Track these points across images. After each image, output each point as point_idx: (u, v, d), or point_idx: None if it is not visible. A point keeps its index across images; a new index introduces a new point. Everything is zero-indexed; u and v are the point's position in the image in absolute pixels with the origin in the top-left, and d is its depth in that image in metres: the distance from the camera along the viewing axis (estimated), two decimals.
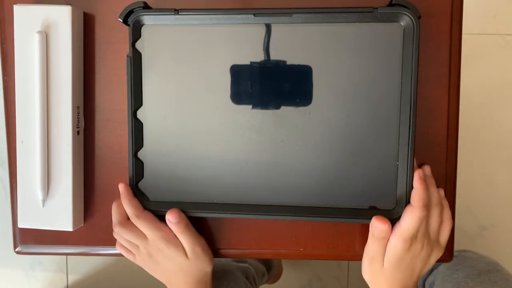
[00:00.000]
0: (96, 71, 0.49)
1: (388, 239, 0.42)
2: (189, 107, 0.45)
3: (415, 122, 0.41)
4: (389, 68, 0.42)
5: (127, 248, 0.47)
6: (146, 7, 0.43)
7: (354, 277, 1.12)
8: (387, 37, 0.42)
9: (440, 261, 0.46)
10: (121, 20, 0.43)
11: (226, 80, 0.44)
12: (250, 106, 0.44)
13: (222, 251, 0.50)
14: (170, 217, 0.44)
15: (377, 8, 0.41)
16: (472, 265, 0.63)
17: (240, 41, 0.43)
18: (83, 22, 0.48)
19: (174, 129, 0.45)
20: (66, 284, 1.19)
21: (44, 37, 0.45)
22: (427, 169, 0.45)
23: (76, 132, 0.47)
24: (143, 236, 0.45)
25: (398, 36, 0.41)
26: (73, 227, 0.47)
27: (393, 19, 0.41)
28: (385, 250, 0.42)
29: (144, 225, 0.45)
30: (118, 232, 0.46)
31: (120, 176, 0.49)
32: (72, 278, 1.19)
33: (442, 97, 0.46)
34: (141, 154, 0.46)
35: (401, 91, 0.42)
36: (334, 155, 0.43)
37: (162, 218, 0.45)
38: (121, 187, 0.45)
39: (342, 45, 0.42)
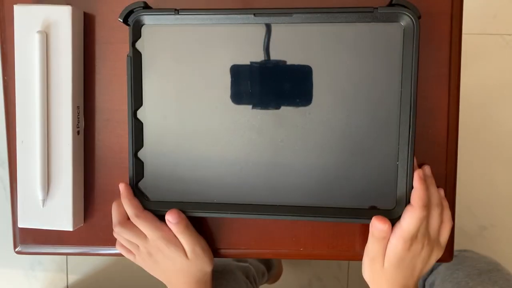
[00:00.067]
0: (96, 71, 0.49)
1: (389, 239, 0.42)
2: (189, 107, 0.45)
3: (415, 122, 0.41)
4: (389, 68, 0.42)
5: (127, 248, 0.47)
6: (146, 7, 0.43)
7: (354, 277, 1.12)
8: (387, 37, 0.42)
9: (440, 261, 0.46)
10: (121, 20, 0.43)
11: (226, 80, 0.44)
12: (250, 106, 0.44)
13: (222, 251, 0.50)
14: (170, 218, 0.44)
15: (377, 8, 0.41)
16: (472, 265, 0.63)
17: (240, 41, 0.43)
18: (83, 22, 0.48)
19: (174, 129, 0.45)
20: (66, 284, 1.19)
21: (44, 37, 0.45)
22: (427, 169, 0.45)
23: (76, 132, 0.47)
24: (143, 236, 0.45)
25: (398, 36, 0.41)
26: (73, 227, 0.47)
27: (393, 19, 0.41)
28: (385, 250, 0.42)
29: (144, 225, 0.45)
30: (118, 232, 0.46)
31: (120, 176, 0.49)
32: (72, 278, 1.19)
33: (442, 97, 0.46)
34: (141, 154, 0.46)
35: (401, 91, 0.42)
36: (334, 155, 0.43)
37: (162, 218, 0.45)
38: (122, 187, 0.45)
39: (342, 45, 0.42)
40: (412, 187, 0.41)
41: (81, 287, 1.18)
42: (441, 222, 0.43)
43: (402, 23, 0.41)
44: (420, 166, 0.45)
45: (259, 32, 0.43)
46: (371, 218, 0.42)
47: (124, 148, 0.49)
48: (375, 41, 0.42)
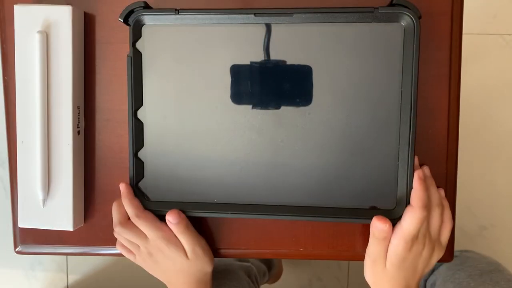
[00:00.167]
0: (96, 71, 0.49)
1: (390, 240, 0.42)
2: (189, 107, 0.45)
3: (416, 122, 0.41)
4: (390, 68, 0.42)
5: (127, 248, 0.47)
6: (146, 7, 0.43)
7: (354, 277, 1.12)
8: (388, 37, 0.42)
9: (440, 261, 0.46)
10: (122, 20, 0.43)
11: (226, 80, 0.44)
12: (250, 106, 0.44)
13: (222, 251, 0.50)
14: (170, 218, 0.44)
15: (377, 8, 0.41)
16: (473, 265, 0.63)
17: (240, 41, 0.43)
18: (84, 22, 0.48)
19: (174, 129, 0.45)
20: (66, 284, 1.19)
21: (44, 37, 0.45)
22: (426, 169, 0.45)
23: (76, 132, 0.47)
24: (143, 236, 0.45)
25: (398, 36, 0.41)
26: (74, 227, 0.47)
27: (394, 19, 0.41)
28: (386, 251, 0.42)
29: (145, 225, 0.45)
30: (119, 232, 0.46)
31: (120, 176, 0.49)
32: (72, 278, 1.19)
33: (443, 97, 0.46)
34: (141, 154, 0.46)
35: (401, 91, 0.42)
36: (334, 155, 0.43)
37: (162, 218, 0.45)
38: (122, 187, 0.45)
39: (342, 45, 0.42)
40: (412, 188, 0.41)
41: (81, 287, 1.18)
42: (441, 222, 0.43)
43: (403, 23, 0.41)
44: (420, 166, 0.45)
45: (259, 32, 0.43)
46: (371, 218, 0.42)
47: (124, 148, 0.49)
48: (375, 41, 0.42)
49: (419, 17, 0.40)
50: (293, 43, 0.43)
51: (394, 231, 0.42)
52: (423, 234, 0.42)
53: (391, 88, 0.42)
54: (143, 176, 0.46)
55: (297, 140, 0.44)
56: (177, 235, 0.45)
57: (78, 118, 0.47)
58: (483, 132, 1.06)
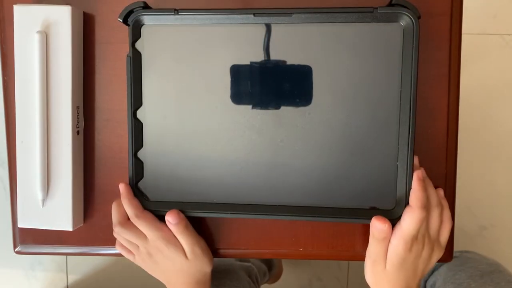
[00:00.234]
0: (96, 71, 0.49)
1: (389, 240, 0.42)
2: (189, 107, 0.45)
3: (415, 122, 0.41)
4: (389, 68, 0.42)
5: (127, 248, 0.47)
6: (146, 7, 0.43)
7: (354, 277, 1.12)
8: (387, 37, 0.42)
9: (440, 261, 0.46)
10: (121, 20, 0.43)
11: (226, 80, 0.44)
12: (250, 106, 0.44)
13: (222, 251, 0.50)
14: (170, 218, 0.44)
15: (377, 8, 0.41)
16: (474, 266, 0.63)
17: (240, 41, 0.43)
18: (83, 22, 0.48)
19: (174, 129, 0.45)
20: (66, 284, 1.19)
21: (44, 37, 0.45)
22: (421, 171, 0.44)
23: (76, 132, 0.47)
24: (143, 236, 0.45)
25: (398, 36, 0.41)
26: (73, 227, 0.47)
27: (393, 19, 0.41)
28: (386, 252, 0.42)
29: (144, 225, 0.45)
30: (118, 232, 0.46)
31: (120, 176, 0.49)
32: (72, 278, 1.19)
33: (442, 97, 0.46)
34: (141, 154, 0.46)
35: (401, 91, 0.42)
36: (334, 155, 0.43)
37: (162, 218, 0.45)
38: (122, 187, 0.45)
39: (342, 45, 0.42)
40: (411, 188, 0.41)
41: (81, 287, 1.18)
42: (441, 222, 0.43)
43: (402, 23, 0.41)
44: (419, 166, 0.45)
45: (259, 32, 0.43)
46: (370, 218, 0.42)
47: (124, 148, 0.49)
48: (375, 41, 0.42)
49: (419, 17, 0.40)
50: (293, 43, 0.43)
51: (394, 232, 0.42)
52: (423, 234, 0.42)
53: (390, 88, 0.42)
54: (142, 176, 0.46)
55: (297, 140, 0.44)
56: (176, 235, 0.45)
57: (78, 118, 0.47)
58: (483, 132, 1.06)
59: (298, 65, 0.43)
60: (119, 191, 0.45)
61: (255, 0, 0.47)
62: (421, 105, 0.45)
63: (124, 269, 1.17)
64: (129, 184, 0.45)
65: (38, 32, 0.44)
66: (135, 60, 0.44)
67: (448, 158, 0.47)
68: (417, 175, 0.41)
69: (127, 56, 0.44)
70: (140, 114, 0.45)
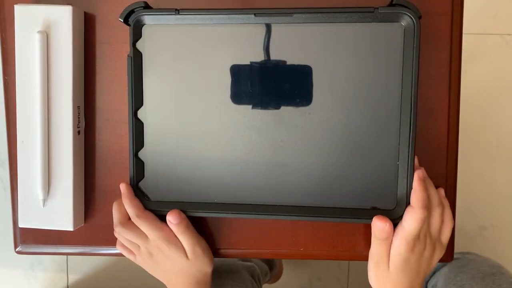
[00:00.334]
0: (96, 71, 0.49)
1: (391, 241, 0.42)
2: (190, 107, 0.45)
3: (416, 122, 0.41)
4: (390, 68, 0.42)
5: (127, 248, 0.47)
6: (146, 7, 0.43)
7: (354, 277, 1.12)
8: (388, 37, 0.42)
9: (440, 261, 0.46)
10: (122, 20, 0.43)
11: (226, 80, 0.44)
12: (250, 106, 0.44)
13: (222, 251, 0.50)
14: (171, 218, 0.44)
15: (377, 8, 0.41)
16: (476, 268, 0.62)
17: (240, 41, 0.43)
18: (84, 22, 0.48)
19: (175, 129, 0.45)
20: (66, 284, 1.19)
21: (44, 37, 0.45)
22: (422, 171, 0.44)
23: (76, 132, 0.47)
24: (143, 236, 0.45)
25: (398, 36, 0.41)
26: (74, 227, 0.47)
27: (394, 19, 0.41)
28: (389, 253, 0.42)
29: (145, 225, 0.45)
30: (119, 232, 0.46)
31: (121, 176, 0.49)
32: (72, 278, 1.19)
33: (443, 97, 0.46)
34: (141, 154, 0.46)
35: (401, 91, 0.42)
36: (334, 155, 0.43)
37: (162, 218, 0.45)
38: (123, 187, 0.45)
39: (342, 45, 0.42)
40: (412, 188, 0.41)
41: (81, 287, 1.18)
42: (442, 222, 0.43)
43: (403, 23, 0.41)
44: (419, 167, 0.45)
45: (259, 32, 0.43)
46: (371, 218, 0.42)
47: (124, 148, 0.49)
48: (376, 41, 0.42)
49: (419, 17, 0.40)
50: (293, 43, 0.43)
51: (396, 232, 0.42)
52: (424, 234, 0.42)
53: (391, 88, 0.42)
54: (143, 176, 0.46)
55: (297, 140, 0.44)
56: (177, 235, 0.45)
57: (78, 118, 0.47)
58: (483, 132, 1.06)
59: (298, 65, 0.43)
60: (120, 191, 0.45)
61: (256, 0, 0.47)
62: (421, 105, 0.45)
63: (124, 269, 1.17)
64: (130, 184, 0.45)
65: (39, 32, 0.44)
66: (136, 60, 0.44)
67: (448, 158, 0.47)
68: (418, 175, 0.41)
69: (127, 56, 0.44)
70: (140, 114, 0.45)
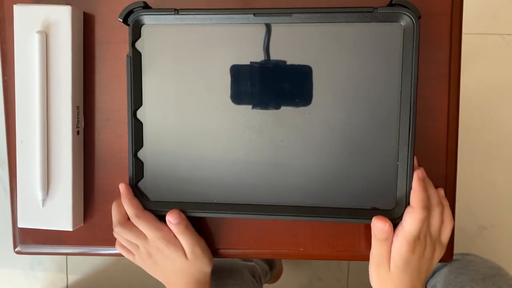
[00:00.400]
0: (96, 71, 0.49)
1: (392, 241, 0.42)
2: (189, 107, 0.45)
3: (415, 122, 0.41)
4: (389, 68, 0.42)
5: (127, 248, 0.47)
6: (146, 7, 0.43)
7: (354, 277, 1.12)
8: (387, 37, 0.42)
9: (440, 261, 0.46)
10: (121, 20, 0.43)
11: (226, 80, 0.44)
12: (250, 106, 0.44)
13: (222, 251, 0.50)
14: (171, 218, 0.44)
15: (377, 8, 0.41)
16: (476, 269, 0.62)
17: (240, 41, 0.43)
18: (83, 22, 0.48)
19: (174, 129, 0.45)
20: (66, 284, 1.19)
21: (44, 37, 0.45)
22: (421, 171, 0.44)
23: (76, 132, 0.47)
24: (143, 236, 0.45)
25: (398, 36, 0.41)
26: (73, 227, 0.47)
27: (393, 19, 0.41)
28: (390, 254, 0.42)
29: (144, 225, 0.45)
30: (118, 232, 0.46)
31: (120, 176, 0.49)
32: (72, 278, 1.19)
33: (442, 97, 0.46)
34: (141, 154, 0.46)
35: (401, 91, 0.42)
36: (334, 155, 0.43)
37: (162, 218, 0.45)
38: (122, 187, 0.45)
39: (342, 45, 0.42)
40: (412, 188, 0.41)
41: (81, 287, 1.18)
42: (442, 222, 0.43)
43: (402, 23, 0.41)
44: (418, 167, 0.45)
45: (259, 32, 0.43)
46: (371, 218, 0.42)
47: (124, 148, 0.49)
48: (375, 41, 0.42)
49: (419, 17, 0.40)
50: (293, 43, 0.43)
51: (396, 233, 0.42)
52: (424, 234, 0.42)
53: (390, 88, 0.42)
54: (142, 176, 0.46)
55: (297, 140, 0.44)
56: (177, 235, 0.45)
57: (78, 118, 0.47)
58: (483, 132, 1.06)
59: (298, 65, 0.43)
60: (119, 191, 0.45)
61: (255, 0, 0.47)
62: (421, 105, 0.45)
63: (124, 269, 1.17)
64: (129, 184, 0.45)
65: (38, 32, 0.44)
66: (135, 60, 0.44)
67: (448, 158, 0.47)
68: (417, 175, 0.41)
69: (127, 56, 0.44)
70: (140, 114, 0.45)
